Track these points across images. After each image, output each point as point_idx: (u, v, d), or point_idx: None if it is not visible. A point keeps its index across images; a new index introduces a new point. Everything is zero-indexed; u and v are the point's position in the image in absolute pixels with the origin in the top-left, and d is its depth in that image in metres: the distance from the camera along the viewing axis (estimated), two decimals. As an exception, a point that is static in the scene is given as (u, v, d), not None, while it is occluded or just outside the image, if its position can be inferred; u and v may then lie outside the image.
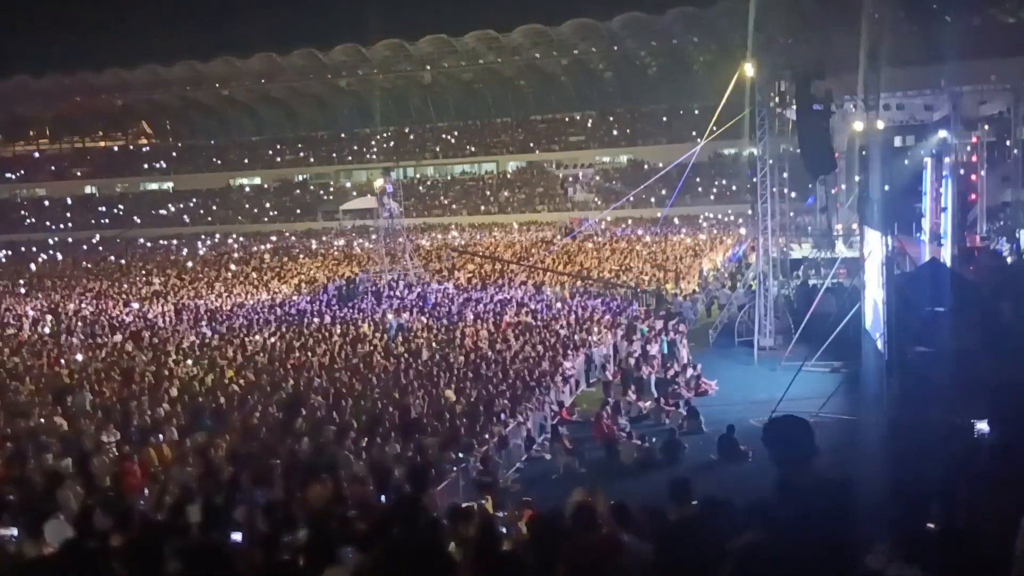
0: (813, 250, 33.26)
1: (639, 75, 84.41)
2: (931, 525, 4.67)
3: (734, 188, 65.75)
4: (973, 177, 29.54)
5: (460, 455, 14.64)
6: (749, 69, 25.77)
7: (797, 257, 33.31)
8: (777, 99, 26.21)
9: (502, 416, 17.10)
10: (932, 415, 14.06)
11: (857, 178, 32.35)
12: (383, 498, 11.52)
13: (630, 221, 61.57)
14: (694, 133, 60.53)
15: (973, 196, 29.20)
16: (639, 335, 24.72)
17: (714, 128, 30.25)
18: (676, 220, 58.67)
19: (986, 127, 31.87)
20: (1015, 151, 29.71)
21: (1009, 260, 27.36)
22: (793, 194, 34.76)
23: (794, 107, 24.26)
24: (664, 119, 79.61)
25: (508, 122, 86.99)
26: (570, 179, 77.14)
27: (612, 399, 19.35)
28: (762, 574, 2.92)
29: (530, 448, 17.31)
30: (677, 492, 5.91)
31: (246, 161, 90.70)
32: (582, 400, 21.07)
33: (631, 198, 52.92)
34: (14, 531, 5.95)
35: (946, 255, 24.78)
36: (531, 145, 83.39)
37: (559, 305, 29.79)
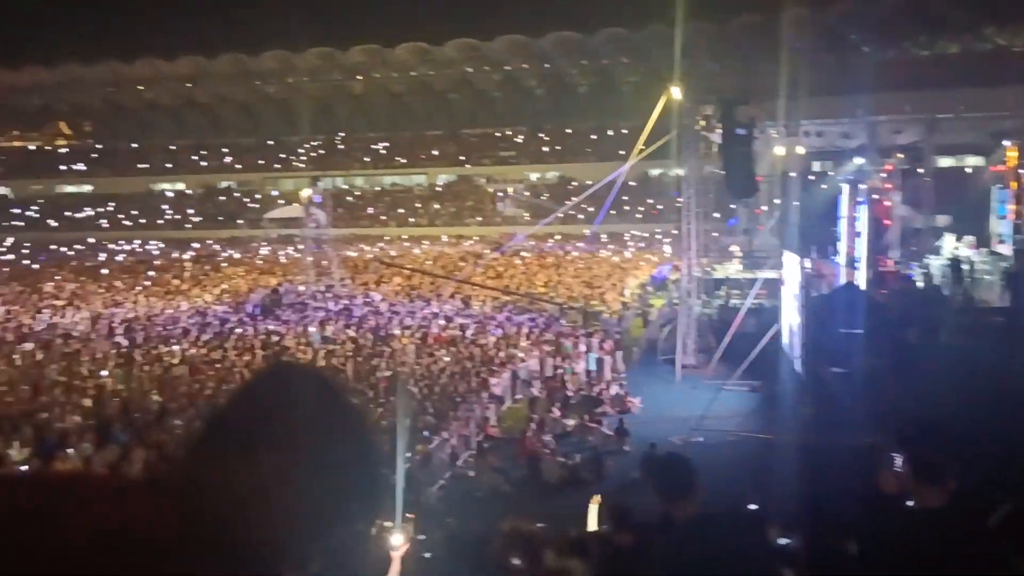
0: (735, 270, 34.01)
1: (569, 93, 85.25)
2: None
3: (660, 208, 66.81)
4: (887, 203, 30.63)
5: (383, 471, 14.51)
6: (676, 92, 26.34)
7: (719, 277, 34.02)
8: (702, 122, 26.81)
9: (426, 432, 17.03)
10: (844, 437, 14.50)
11: (777, 201, 33.30)
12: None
13: (558, 237, 62.03)
14: (622, 152, 61.27)
15: (887, 222, 30.26)
16: (565, 352, 24.92)
17: (642, 148, 30.76)
18: (604, 237, 59.32)
19: (900, 155, 33.14)
20: (927, 179, 30.91)
21: (920, 284, 28.40)
22: (716, 215, 35.54)
23: (719, 131, 24.85)
24: (593, 137, 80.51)
25: (439, 135, 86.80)
26: (500, 194, 77.39)
27: (537, 416, 19.45)
28: None
29: (454, 465, 17.27)
30: (616, 517, 5.98)
31: (168, 166, 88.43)
32: (507, 417, 21.11)
33: (560, 214, 53.36)
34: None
35: (860, 279, 25.61)
36: (462, 158, 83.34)
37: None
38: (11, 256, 63.39)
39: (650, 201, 69.62)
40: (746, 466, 15.05)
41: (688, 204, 26.20)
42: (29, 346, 25.92)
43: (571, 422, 19.96)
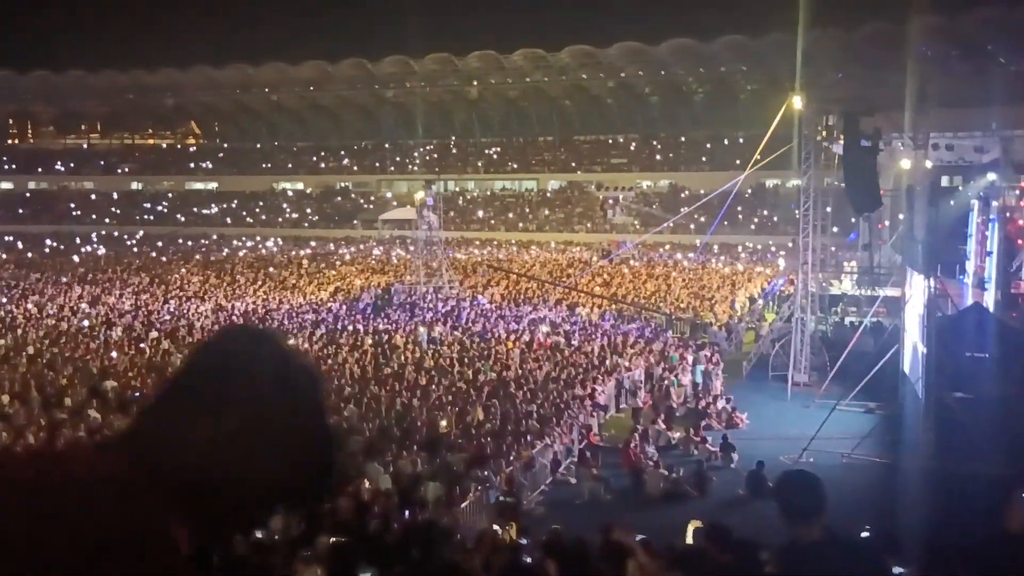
0: (853, 287, 32.86)
1: (685, 101, 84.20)
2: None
3: (775, 219, 65.28)
4: (1021, 222, 29.00)
5: (485, 474, 14.63)
6: (797, 102, 25.65)
7: (836, 293, 32.93)
8: (824, 133, 26.02)
9: (528, 437, 17.07)
10: (969, 465, 13.79)
11: (901, 216, 31.99)
12: (407, 513, 11.54)
13: (668, 246, 61.30)
14: (738, 162, 60.10)
15: (1020, 241, 28.64)
16: (670, 362, 24.59)
17: (758, 158, 30.10)
18: (715, 248, 58.27)
19: (1036, 172, 31.36)
20: (1066, 198, 29.12)
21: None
22: (835, 229, 34.41)
23: (841, 142, 24.07)
24: (708, 146, 79.29)
25: (551, 141, 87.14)
26: (610, 201, 77.00)
27: (641, 426, 19.24)
28: None
29: (556, 471, 17.24)
30: (716, 535, 5.84)
31: (290, 166, 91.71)
32: (611, 425, 20.95)
33: (671, 223, 52.71)
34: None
35: (989, 300, 24.34)
36: (572, 165, 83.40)
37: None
38: (143, 248, 66.74)
39: (765, 212, 68.08)
40: (860, 490, 14.49)
41: (806, 217, 25.47)
42: (155, 335, 27.27)
43: (676, 435, 19.66)
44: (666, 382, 22.98)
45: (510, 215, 78.71)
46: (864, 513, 11.57)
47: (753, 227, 66.80)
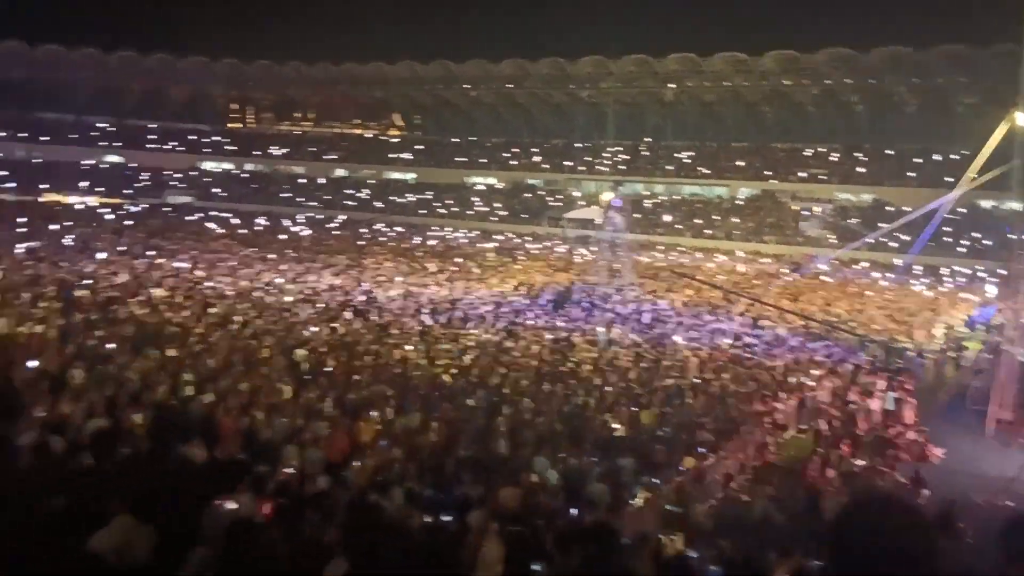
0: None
1: (894, 112, 79.54)
2: None
3: (987, 243, 60.55)
4: None
5: (655, 481, 14.51)
6: (1020, 118, 23.76)
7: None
8: (1050, 153, 23.96)
9: (701, 449, 16.78)
10: None
11: None
12: (572, 511, 11.64)
13: (865, 263, 58.19)
14: (949, 179, 56.32)
15: None
16: (861, 388, 23.40)
17: (974, 176, 28.08)
18: (917, 269, 54.74)
19: None
20: None
21: None
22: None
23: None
24: (917, 161, 74.57)
25: (745, 147, 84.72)
26: (805, 212, 73.94)
27: (823, 450, 18.44)
28: None
29: (728, 486, 16.84)
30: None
31: (483, 161, 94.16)
32: (789, 446, 20.19)
33: (871, 240, 50.01)
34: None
35: None
36: (766, 173, 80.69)
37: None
38: (343, 232, 70.44)
39: (976, 235, 63.26)
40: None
41: (1022, 242, 23.53)
42: (349, 314, 28.80)
43: (860, 462, 18.70)
44: (853, 407, 21.91)
45: (697, 221, 77.17)
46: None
47: (962, 250, 62.21)
